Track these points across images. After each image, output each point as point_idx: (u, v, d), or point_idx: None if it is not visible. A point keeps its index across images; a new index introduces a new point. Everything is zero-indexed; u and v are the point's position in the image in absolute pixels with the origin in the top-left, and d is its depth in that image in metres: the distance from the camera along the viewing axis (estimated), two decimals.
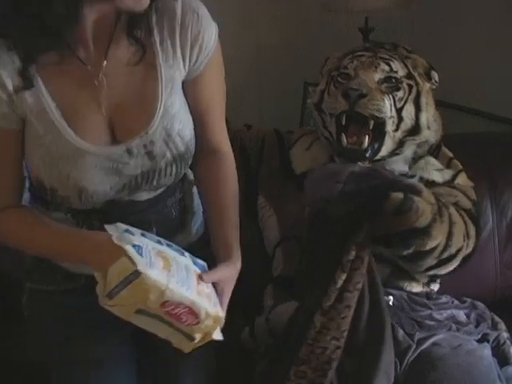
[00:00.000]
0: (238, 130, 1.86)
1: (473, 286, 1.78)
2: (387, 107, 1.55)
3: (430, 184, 1.60)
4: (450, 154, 1.71)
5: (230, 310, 1.32)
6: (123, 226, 1.13)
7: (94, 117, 1.12)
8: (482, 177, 1.83)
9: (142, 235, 1.14)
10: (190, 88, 1.17)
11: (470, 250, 1.52)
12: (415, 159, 1.63)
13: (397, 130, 1.58)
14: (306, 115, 2.20)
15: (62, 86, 1.10)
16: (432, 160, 1.66)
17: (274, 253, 1.66)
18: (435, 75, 1.63)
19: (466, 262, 1.54)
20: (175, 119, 1.13)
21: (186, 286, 1.09)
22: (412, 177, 1.61)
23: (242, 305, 1.59)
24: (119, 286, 1.03)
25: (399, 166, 1.62)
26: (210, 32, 1.16)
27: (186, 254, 1.18)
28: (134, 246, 1.07)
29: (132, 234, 1.11)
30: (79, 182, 1.13)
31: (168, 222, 1.27)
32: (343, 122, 1.57)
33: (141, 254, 1.06)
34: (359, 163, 1.53)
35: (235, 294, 1.33)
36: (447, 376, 1.36)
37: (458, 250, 1.47)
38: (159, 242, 1.15)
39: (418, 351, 1.42)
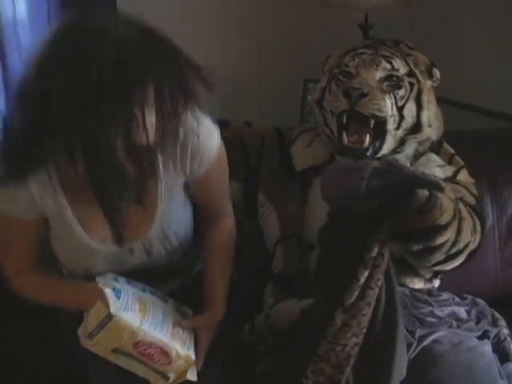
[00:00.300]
0: (237, 127, 1.86)
1: (473, 282, 1.78)
2: (388, 106, 1.54)
3: None
4: (452, 151, 1.71)
5: (231, 308, 1.37)
6: (112, 276, 1.28)
7: (105, 223, 1.25)
8: (482, 174, 1.83)
9: (127, 283, 1.28)
10: (192, 185, 1.32)
11: (475, 245, 1.51)
12: (417, 156, 1.63)
13: (398, 128, 1.57)
14: (306, 113, 2.19)
15: (79, 195, 1.24)
16: (434, 156, 1.65)
17: (275, 250, 1.66)
18: (437, 72, 1.62)
19: (471, 258, 1.53)
20: (172, 221, 1.28)
21: (160, 329, 1.21)
22: None
23: (242, 303, 1.60)
24: (98, 328, 1.17)
25: (402, 162, 1.62)
26: (210, 146, 1.29)
27: (170, 301, 1.33)
28: (114, 289, 1.21)
29: (117, 281, 1.26)
30: (86, 267, 1.32)
31: (170, 267, 1.40)
32: (344, 121, 1.57)
33: (118, 298, 1.19)
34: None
35: (236, 292, 1.44)
36: (448, 373, 1.36)
37: (466, 246, 1.46)
38: (143, 289, 1.29)
39: (419, 348, 1.42)
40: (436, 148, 1.67)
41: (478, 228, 1.53)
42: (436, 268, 1.51)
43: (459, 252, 1.46)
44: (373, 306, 1.24)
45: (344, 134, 1.57)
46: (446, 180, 1.61)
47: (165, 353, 1.18)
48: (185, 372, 1.22)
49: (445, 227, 1.29)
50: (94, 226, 1.27)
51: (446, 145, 1.71)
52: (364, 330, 1.24)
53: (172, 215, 1.28)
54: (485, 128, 2.10)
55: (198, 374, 1.26)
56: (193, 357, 1.24)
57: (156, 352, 1.18)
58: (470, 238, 1.47)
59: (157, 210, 1.26)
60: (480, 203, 1.64)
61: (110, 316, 1.15)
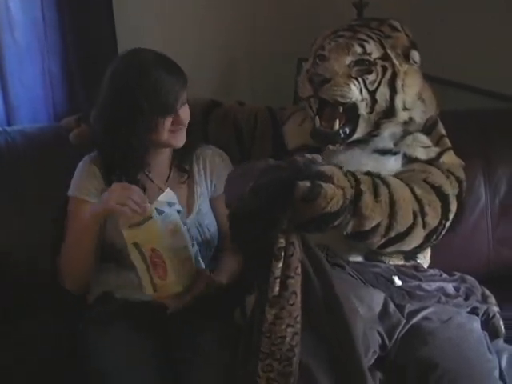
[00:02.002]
0: (230, 105, 1.85)
1: (466, 262, 1.80)
2: (353, 92, 1.54)
3: (413, 160, 1.61)
4: (443, 132, 1.70)
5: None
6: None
7: None
8: (475, 153, 1.83)
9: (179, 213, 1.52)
10: (211, 204, 1.69)
11: (433, 225, 1.52)
12: (403, 136, 1.63)
13: (371, 112, 1.58)
14: None
15: None
16: (421, 137, 1.65)
17: None
18: (415, 55, 1.60)
19: (436, 238, 1.56)
20: (205, 217, 1.65)
21: (174, 253, 1.44)
22: (396, 153, 1.62)
23: (235, 284, 1.60)
24: (138, 223, 1.42)
25: (384, 142, 1.62)
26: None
27: (195, 247, 1.57)
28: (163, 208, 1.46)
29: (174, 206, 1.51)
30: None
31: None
32: (317, 105, 1.59)
33: (161, 214, 1.45)
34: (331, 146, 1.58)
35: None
36: (438, 350, 1.38)
37: (410, 228, 1.48)
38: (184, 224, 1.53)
39: (408, 326, 1.44)
40: (429, 129, 1.67)
41: (438, 209, 1.53)
42: (388, 250, 1.53)
43: (403, 235, 1.48)
44: (299, 293, 1.26)
45: (317, 117, 1.59)
46: (427, 161, 1.62)
47: (165, 270, 1.43)
48: (167, 296, 1.46)
49: (336, 214, 1.31)
50: None
51: (440, 126, 1.70)
52: (298, 319, 1.26)
53: (204, 212, 1.65)
54: (480, 108, 2.09)
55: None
56: (179, 289, 1.46)
57: (160, 265, 1.43)
58: (413, 221, 1.48)
59: (193, 205, 1.64)
60: (463, 185, 1.63)
61: (150, 218, 1.42)
